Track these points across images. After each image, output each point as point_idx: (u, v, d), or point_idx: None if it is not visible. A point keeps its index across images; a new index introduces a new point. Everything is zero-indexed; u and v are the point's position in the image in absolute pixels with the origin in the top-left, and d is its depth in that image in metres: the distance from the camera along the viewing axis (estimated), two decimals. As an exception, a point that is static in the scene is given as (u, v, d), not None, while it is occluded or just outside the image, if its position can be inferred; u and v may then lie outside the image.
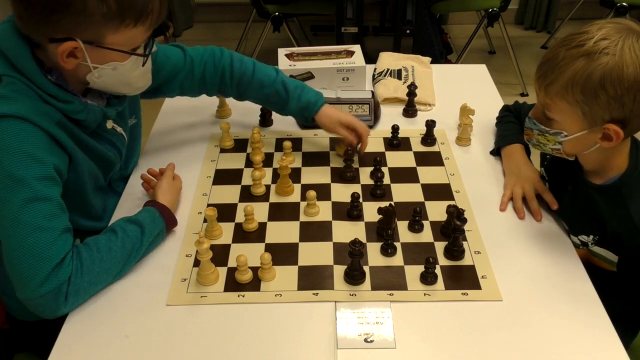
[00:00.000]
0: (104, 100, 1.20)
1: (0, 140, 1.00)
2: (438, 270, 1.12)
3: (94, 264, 1.05)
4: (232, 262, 1.15)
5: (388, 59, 1.84)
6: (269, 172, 1.39)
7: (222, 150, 1.47)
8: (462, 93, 1.64)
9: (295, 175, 1.37)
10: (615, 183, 1.10)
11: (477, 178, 1.37)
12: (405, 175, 1.38)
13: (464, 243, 1.17)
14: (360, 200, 1.26)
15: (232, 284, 1.10)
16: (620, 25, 1.01)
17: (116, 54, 1.08)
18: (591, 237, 1.17)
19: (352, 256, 1.07)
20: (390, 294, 1.08)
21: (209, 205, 1.28)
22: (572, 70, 1.01)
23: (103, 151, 1.21)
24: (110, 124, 1.23)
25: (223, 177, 1.38)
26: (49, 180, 1.04)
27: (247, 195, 1.32)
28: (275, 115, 1.59)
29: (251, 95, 1.43)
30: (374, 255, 1.17)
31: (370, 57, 1.81)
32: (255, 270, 1.11)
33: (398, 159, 1.43)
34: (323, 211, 1.27)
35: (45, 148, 1.04)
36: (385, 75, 1.73)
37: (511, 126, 1.42)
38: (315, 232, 1.22)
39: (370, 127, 1.54)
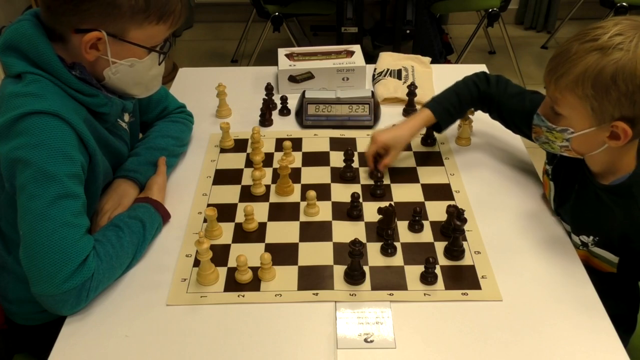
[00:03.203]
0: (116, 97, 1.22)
1: (34, 136, 1.01)
2: (438, 270, 1.12)
3: (111, 259, 1.06)
4: (232, 262, 1.15)
5: (388, 59, 1.84)
6: (269, 172, 1.39)
7: (222, 150, 1.47)
8: (462, 93, 1.64)
9: (295, 175, 1.37)
10: (624, 182, 1.09)
11: (477, 178, 1.37)
12: (405, 175, 1.38)
13: (464, 243, 1.17)
14: (360, 200, 1.26)
15: (232, 284, 1.10)
16: (636, 23, 1.00)
17: (136, 49, 1.11)
18: (591, 237, 1.16)
19: (352, 256, 1.07)
20: (390, 294, 1.08)
21: (209, 205, 1.28)
22: (584, 64, 0.99)
23: (117, 146, 1.24)
24: (127, 117, 1.26)
25: (223, 177, 1.38)
26: (77, 178, 1.05)
27: (247, 195, 1.32)
28: (275, 115, 1.59)
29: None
30: (374, 255, 1.17)
31: (370, 57, 1.81)
32: (255, 270, 1.11)
33: (398, 159, 1.43)
34: (323, 211, 1.27)
35: (74, 145, 1.05)
36: (385, 75, 1.73)
37: (449, 94, 1.38)
38: (315, 232, 1.22)
39: (370, 127, 1.54)
